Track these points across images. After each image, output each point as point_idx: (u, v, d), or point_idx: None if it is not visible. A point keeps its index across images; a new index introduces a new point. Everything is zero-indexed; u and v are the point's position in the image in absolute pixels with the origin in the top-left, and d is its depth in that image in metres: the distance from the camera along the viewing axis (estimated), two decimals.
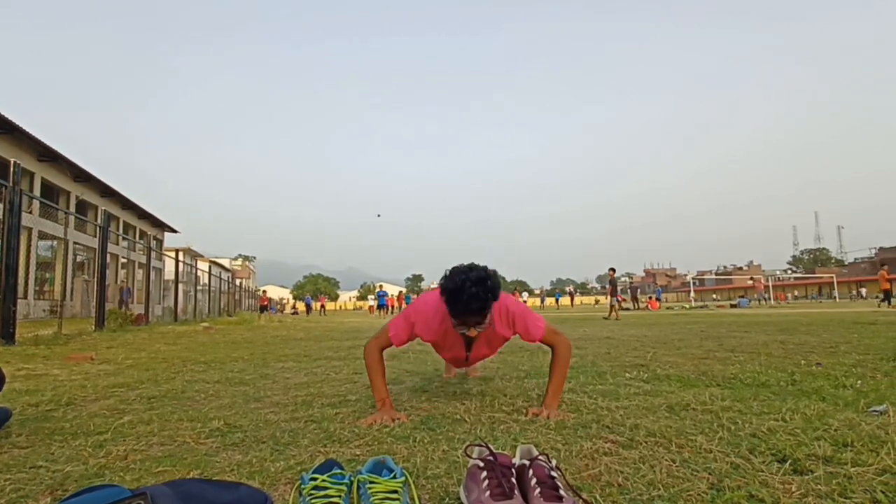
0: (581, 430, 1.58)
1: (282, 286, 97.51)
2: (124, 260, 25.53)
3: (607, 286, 15.99)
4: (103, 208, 10.21)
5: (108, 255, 9.02)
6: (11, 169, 5.48)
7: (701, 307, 23.50)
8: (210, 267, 21.55)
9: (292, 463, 1.31)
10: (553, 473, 1.01)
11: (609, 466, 1.22)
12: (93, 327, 7.53)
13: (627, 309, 20.31)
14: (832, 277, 49.93)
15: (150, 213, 27.93)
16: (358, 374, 2.97)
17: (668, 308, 23.66)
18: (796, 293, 55.25)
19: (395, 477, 0.98)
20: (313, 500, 0.93)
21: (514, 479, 1.01)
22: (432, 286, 2.05)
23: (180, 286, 13.62)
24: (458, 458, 1.32)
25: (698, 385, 2.33)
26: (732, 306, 24.76)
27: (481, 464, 1.04)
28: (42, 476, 1.25)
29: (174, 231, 33.40)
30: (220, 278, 22.09)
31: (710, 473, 1.16)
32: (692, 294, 31.73)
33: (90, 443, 1.53)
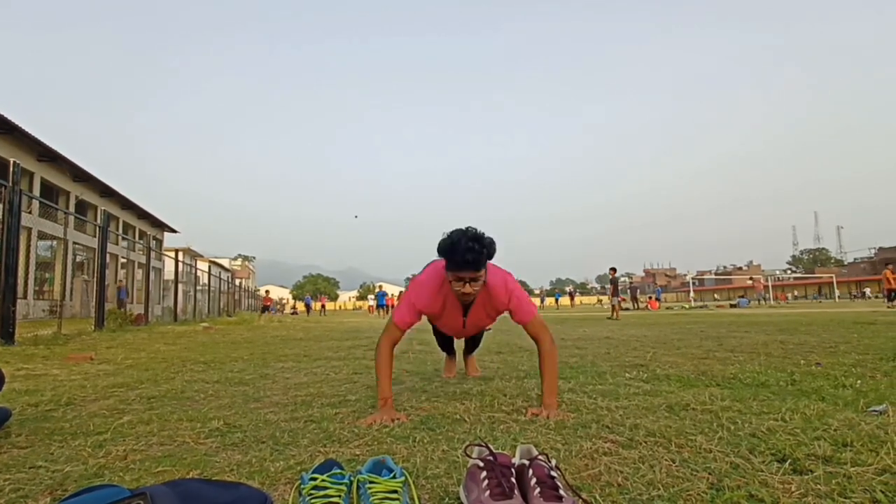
0: (581, 429, 1.58)
1: (281, 286, 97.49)
2: (124, 260, 25.53)
3: (608, 286, 16.00)
4: (103, 208, 10.20)
5: (108, 255, 9.02)
6: (11, 169, 5.48)
7: (701, 307, 23.51)
8: (210, 267, 21.55)
9: (292, 463, 1.31)
10: (553, 473, 1.01)
11: (609, 466, 1.22)
12: (92, 327, 7.53)
13: (627, 309, 20.31)
14: (832, 277, 49.96)
15: (149, 213, 27.93)
16: (357, 374, 2.97)
17: (667, 308, 23.66)
18: (796, 293, 55.30)
19: (394, 477, 0.98)
20: (313, 500, 0.93)
21: (513, 479, 1.01)
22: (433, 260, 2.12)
23: (180, 286, 13.62)
24: (458, 457, 1.32)
25: (698, 385, 2.33)
26: (732, 306, 24.78)
27: (481, 464, 1.04)
28: (41, 476, 1.25)
29: (174, 231, 33.40)
30: (220, 278, 22.08)
31: (709, 473, 1.16)
32: (692, 294, 31.76)
33: (90, 443, 1.53)
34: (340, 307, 74.54)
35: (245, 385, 2.64)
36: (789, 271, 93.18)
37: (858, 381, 2.29)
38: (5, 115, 14.73)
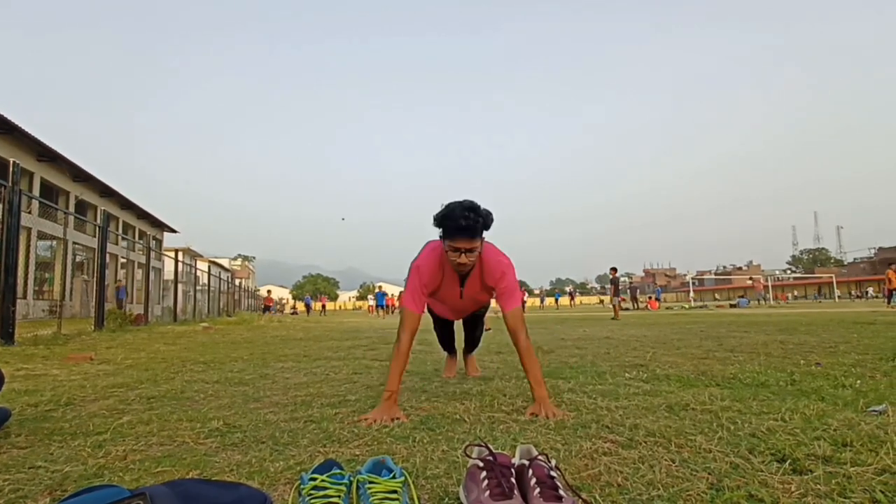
0: (580, 429, 1.58)
1: (281, 286, 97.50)
2: (123, 260, 25.52)
3: (608, 286, 16.01)
4: (102, 208, 10.20)
5: (108, 255, 9.02)
6: (11, 169, 5.48)
7: (700, 307, 23.51)
8: (209, 267, 21.54)
9: (292, 463, 1.31)
10: (552, 473, 1.01)
11: (608, 466, 1.22)
12: (92, 327, 7.52)
13: (627, 309, 20.32)
14: (831, 277, 49.98)
15: (149, 213, 27.93)
16: (357, 374, 2.97)
17: (667, 308, 23.67)
18: (795, 293, 55.33)
19: (394, 477, 0.98)
20: (313, 500, 0.93)
21: (513, 479, 1.01)
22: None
23: (179, 286, 13.62)
24: (458, 458, 1.32)
25: (698, 385, 2.33)
26: (732, 306, 24.78)
27: (481, 464, 1.04)
28: (41, 476, 1.25)
29: (173, 231, 33.40)
30: (220, 278, 22.08)
31: (709, 473, 1.16)
32: (692, 294, 31.76)
33: (89, 443, 1.53)
34: (340, 307, 74.54)
35: (245, 385, 2.64)
36: (789, 271, 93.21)
37: (858, 381, 2.29)
38: (5, 115, 14.73)
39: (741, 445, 1.35)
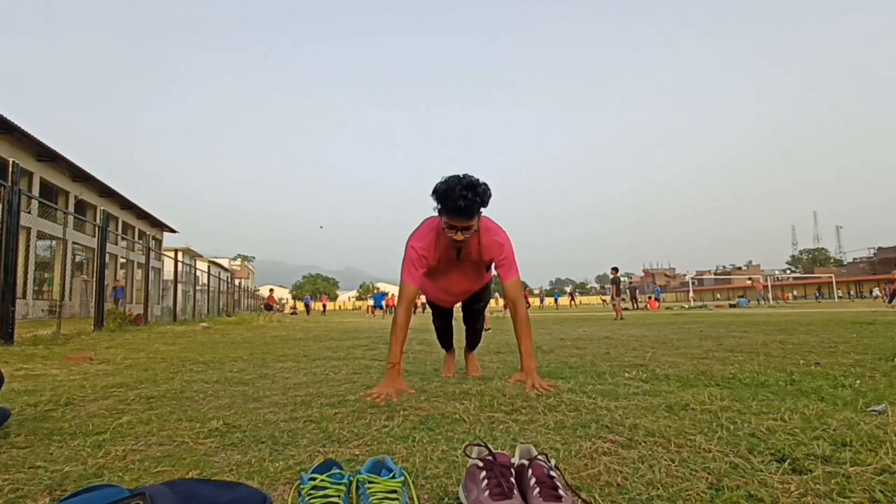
0: (580, 429, 1.58)
1: (281, 286, 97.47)
2: (123, 260, 25.51)
3: (607, 286, 16.02)
4: (102, 208, 10.19)
5: (107, 255, 9.02)
6: (10, 169, 5.47)
7: (700, 307, 23.52)
8: (209, 267, 21.54)
9: (291, 463, 1.31)
10: (552, 473, 1.01)
11: (608, 466, 1.22)
12: (92, 327, 7.52)
13: (627, 309, 20.32)
14: (831, 277, 50.01)
15: (149, 213, 27.92)
16: (357, 374, 2.97)
17: (667, 308, 23.67)
18: (795, 293, 55.36)
19: (394, 477, 0.98)
20: (312, 500, 0.93)
21: (513, 479, 1.01)
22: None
23: (179, 286, 13.61)
24: (458, 457, 1.32)
25: (697, 385, 2.33)
26: (731, 306, 24.79)
27: (480, 464, 1.04)
28: (41, 476, 1.25)
29: (173, 231, 33.39)
30: (220, 278, 22.07)
31: (709, 473, 1.16)
32: (691, 294, 31.77)
33: (89, 443, 1.53)
34: (340, 307, 74.55)
35: (244, 385, 2.64)
36: (788, 271, 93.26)
37: (857, 381, 2.29)
38: (4, 115, 14.72)
39: (741, 445, 1.35)
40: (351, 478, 1.00)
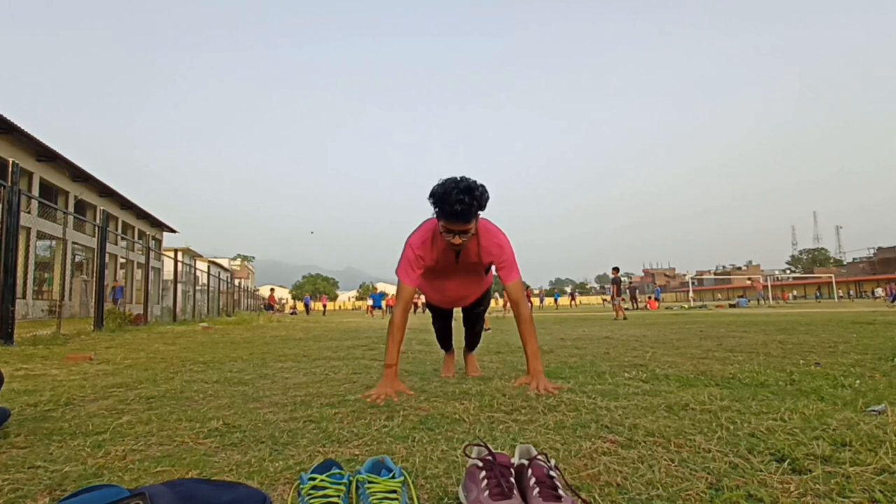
0: (580, 429, 1.58)
1: (281, 286, 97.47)
2: (123, 260, 25.51)
3: (607, 286, 16.00)
4: (102, 208, 10.19)
5: (107, 255, 9.01)
6: (10, 169, 5.47)
7: (700, 307, 23.52)
8: (209, 267, 21.54)
9: (291, 463, 1.31)
10: (552, 473, 1.01)
11: (608, 466, 1.22)
12: (91, 327, 7.52)
13: (627, 309, 20.32)
14: (831, 277, 50.02)
15: (148, 213, 27.92)
16: (357, 374, 2.96)
17: (667, 308, 23.68)
18: (795, 293, 55.39)
19: (393, 477, 0.98)
20: (312, 500, 0.93)
21: (512, 479, 1.01)
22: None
23: (179, 286, 13.61)
24: (457, 457, 1.32)
25: (697, 385, 2.33)
26: (731, 306, 24.80)
27: (480, 464, 1.04)
28: (40, 476, 1.24)
29: (173, 231, 33.38)
30: (219, 278, 22.07)
31: (708, 473, 1.16)
32: (691, 294, 31.79)
33: (89, 443, 1.53)
34: (340, 307, 74.57)
35: (244, 385, 2.64)
36: (788, 271, 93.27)
37: (857, 381, 2.29)
38: (4, 115, 14.71)
39: (740, 445, 1.35)
40: (351, 478, 1.00)
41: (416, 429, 1.64)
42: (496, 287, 2.52)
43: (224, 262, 52.30)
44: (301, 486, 0.97)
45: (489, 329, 6.51)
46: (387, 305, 24.24)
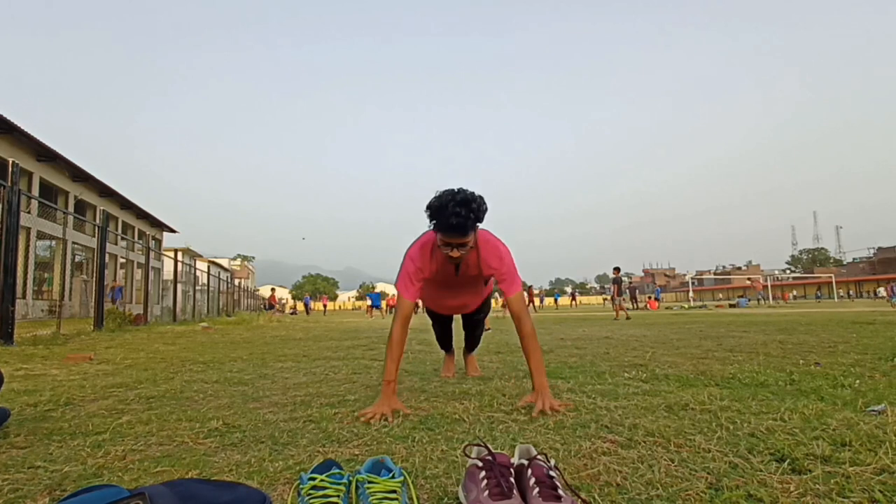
0: (580, 429, 1.58)
1: (281, 286, 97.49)
2: (123, 260, 25.50)
3: (608, 286, 15.98)
4: (102, 208, 10.18)
5: (107, 255, 9.01)
6: (10, 169, 5.47)
7: (700, 307, 23.52)
8: (209, 267, 21.54)
9: (291, 463, 1.31)
10: (552, 473, 1.01)
11: (608, 466, 1.22)
12: (91, 327, 7.52)
13: (626, 309, 20.31)
14: (831, 277, 50.03)
15: (148, 213, 27.91)
16: (357, 374, 2.97)
17: (667, 308, 23.68)
18: (795, 293, 55.40)
19: (393, 477, 0.98)
20: (312, 500, 0.93)
21: (512, 479, 1.01)
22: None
23: (179, 286, 13.61)
24: (457, 457, 1.32)
25: (697, 385, 2.33)
26: (731, 306, 24.80)
27: (480, 463, 1.04)
28: (40, 476, 1.25)
29: (173, 231, 33.38)
30: (219, 278, 22.07)
31: (708, 473, 1.16)
32: (691, 294, 31.80)
33: (88, 443, 1.53)
34: (340, 307, 74.59)
35: (244, 385, 2.64)
36: (788, 271, 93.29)
37: (857, 381, 2.29)
38: (4, 115, 14.71)
39: (740, 445, 1.35)
40: (350, 478, 1.00)
41: (415, 429, 1.64)
42: (496, 287, 2.49)
43: (224, 262, 52.30)
44: (301, 486, 0.97)
45: (489, 329, 6.51)
46: (388, 306, 24.23)
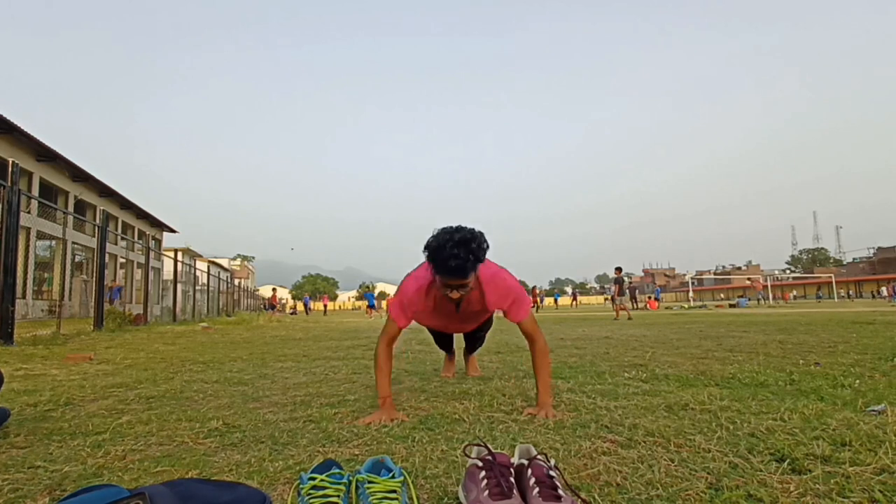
0: (580, 429, 1.58)
1: (281, 286, 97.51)
2: (123, 260, 25.50)
3: (608, 286, 15.94)
4: (102, 208, 10.18)
5: (107, 255, 9.01)
6: (10, 169, 5.47)
7: (700, 307, 23.52)
8: (209, 267, 21.53)
9: (291, 463, 1.31)
10: (552, 473, 1.01)
11: (608, 466, 1.22)
12: (91, 327, 7.51)
13: (625, 309, 20.30)
14: (830, 277, 50.05)
15: (148, 213, 27.91)
16: (356, 374, 2.97)
17: (666, 308, 23.68)
18: (795, 293, 55.42)
19: (393, 477, 0.98)
20: (312, 500, 0.93)
21: (512, 479, 1.01)
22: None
23: (179, 286, 13.61)
24: (457, 457, 1.32)
25: (697, 385, 2.33)
26: (731, 306, 24.80)
27: (480, 463, 1.04)
28: (40, 476, 1.25)
29: (173, 231, 33.37)
30: (219, 278, 22.07)
31: (708, 473, 1.16)
32: (691, 294, 31.80)
33: (88, 443, 1.53)
34: (340, 307, 74.62)
35: (244, 385, 2.64)
36: (788, 271, 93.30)
37: (857, 381, 2.29)
38: (4, 115, 14.71)
39: (740, 445, 1.36)
40: (350, 478, 1.00)
41: (415, 429, 1.64)
42: None
43: (224, 262, 52.29)
44: (301, 485, 0.97)
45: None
46: (388, 305, 24.29)
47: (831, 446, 1.31)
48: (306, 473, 0.99)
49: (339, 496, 0.94)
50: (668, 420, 1.66)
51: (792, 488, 1.06)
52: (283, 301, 54.02)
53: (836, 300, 37.77)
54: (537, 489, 0.97)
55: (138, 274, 27.43)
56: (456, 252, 1.72)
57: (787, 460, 1.22)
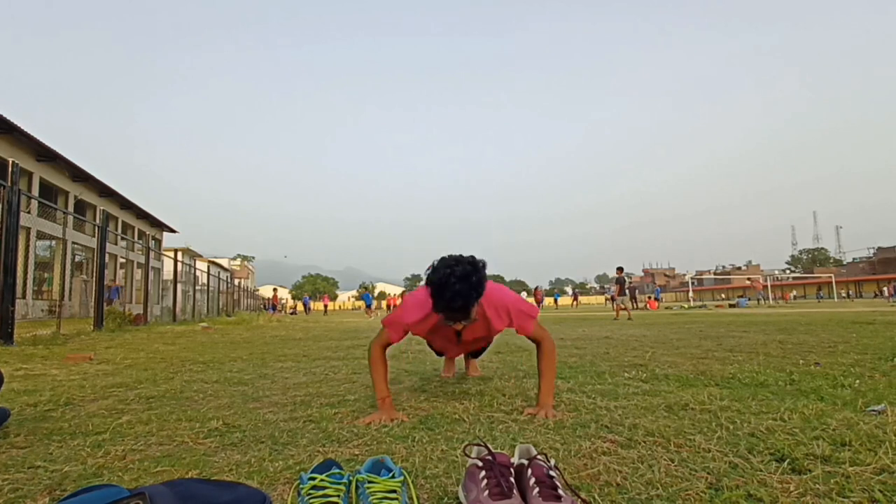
0: (580, 429, 1.58)
1: (281, 286, 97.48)
2: (123, 260, 25.50)
3: (608, 286, 15.92)
4: (102, 208, 10.18)
5: (107, 255, 9.02)
6: (10, 169, 5.47)
7: (700, 307, 23.52)
8: (209, 267, 21.53)
9: (291, 463, 1.31)
10: (551, 473, 1.01)
11: (608, 466, 1.22)
12: (91, 327, 7.51)
13: (624, 309, 20.29)
14: (830, 277, 50.05)
15: (148, 213, 27.91)
16: (357, 374, 2.97)
17: (666, 308, 23.68)
18: (795, 293, 55.43)
19: (393, 477, 0.98)
20: (312, 500, 0.93)
21: (512, 479, 1.01)
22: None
23: (179, 286, 13.61)
24: (457, 457, 1.32)
25: (697, 385, 2.33)
26: (731, 306, 24.80)
27: (480, 463, 1.04)
28: (40, 476, 1.25)
29: (173, 231, 33.37)
30: (219, 278, 22.07)
31: (708, 473, 1.16)
32: (691, 294, 31.80)
33: (88, 443, 1.53)
34: (339, 307, 74.63)
35: (244, 385, 2.64)
36: (788, 271, 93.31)
37: (857, 381, 2.29)
38: (4, 115, 14.71)
39: (740, 445, 1.36)
40: (350, 477, 1.00)
41: (415, 429, 1.64)
42: None
43: (224, 262, 52.28)
44: (301, 485, 0.97)
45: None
46: (388, 305, 24.39)
47: (831, 446, 1.31)
48: (306, 473, 0.99)
49: (339, 496, 0.94)
50: (668, 420, 1.66)
51: (792, 488, 1.06)
52: (283, 301, 54.01)
53: (836, 300, 37.78)
54: (537, 489, 0.97)
55: (138, 274, 27.43)
56: (458, 289, 1.68)
57: (787, 460, 1.22)
